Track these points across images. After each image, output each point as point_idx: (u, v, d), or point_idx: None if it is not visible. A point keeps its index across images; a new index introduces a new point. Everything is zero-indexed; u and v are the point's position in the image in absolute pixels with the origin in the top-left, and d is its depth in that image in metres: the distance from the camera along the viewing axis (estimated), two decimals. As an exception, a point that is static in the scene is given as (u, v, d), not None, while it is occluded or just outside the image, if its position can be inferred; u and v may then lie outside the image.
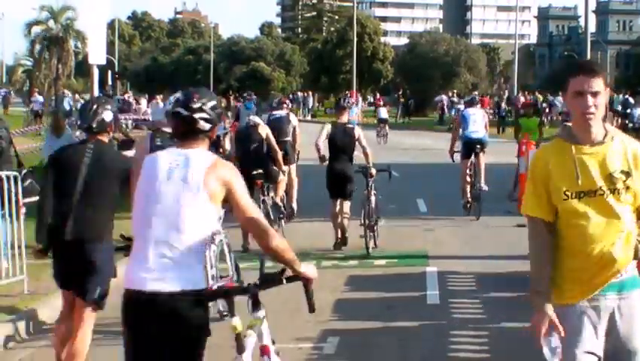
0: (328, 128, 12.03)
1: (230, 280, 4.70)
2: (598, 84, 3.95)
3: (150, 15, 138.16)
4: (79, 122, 6.78)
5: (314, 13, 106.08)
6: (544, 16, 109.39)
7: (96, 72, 12.06)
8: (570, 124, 4.13)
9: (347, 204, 11.77)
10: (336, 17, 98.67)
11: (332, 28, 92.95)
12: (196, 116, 4.30)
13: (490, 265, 10.95)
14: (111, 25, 73.22)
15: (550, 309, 4.09)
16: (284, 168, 12.72)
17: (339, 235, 11.85)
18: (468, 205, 15.02)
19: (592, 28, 66.27)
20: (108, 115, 6.21)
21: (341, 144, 11.78)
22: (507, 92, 53.58)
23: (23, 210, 9.11)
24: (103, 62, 12.12)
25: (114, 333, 6.52)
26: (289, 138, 14.18)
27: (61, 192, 6.04)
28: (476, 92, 54.92)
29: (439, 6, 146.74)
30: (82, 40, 60.21)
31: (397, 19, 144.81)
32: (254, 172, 11.58)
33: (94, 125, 6.17)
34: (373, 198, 11.74)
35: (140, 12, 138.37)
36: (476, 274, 10.39)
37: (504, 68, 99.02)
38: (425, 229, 13.87)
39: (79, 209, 5.99)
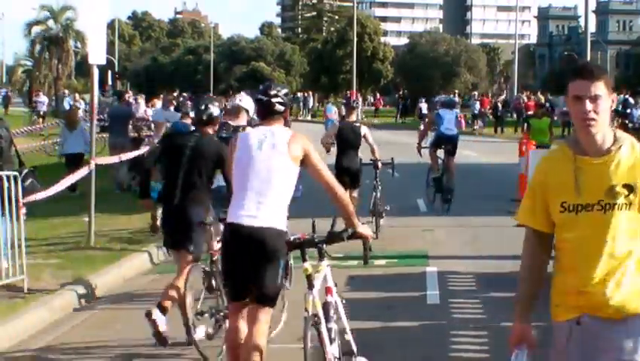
0: (336, 126, 13.06)
1: (303, 234, 5.80)
2: (598, 88, 3.61)
3: (150, 15, 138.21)
4: (193, 115, 8.38)
5: (314, 13, 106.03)
6: (543, 16, 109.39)
7: (96, 72, 12.04)
8: None
9: (356, 191, 12.36)
10: (336, 17, 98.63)
11: (332, 28, 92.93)
12: (273, 100, 5.81)
13: (490, 265, 10.95)
14: (111, 25, 73.23)
15: (524, 321, 3.95)
16: None
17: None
18: (433, 199, 16.24)
19: (592, 28, 66.33)
20: (215, 111, 7.73)
21: (348, 140, 12.52)
22: (505, 92, 53.45)
23: (23, 210, 9.11)
24: (103, 62, 12.10)
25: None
26: None
27: (171, 167, 7.55)
28: (476, 93, 54.96)
29: (439, 6, 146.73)
30: (82, 40, 60.21)
31: (397, 19, 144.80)
32: None
33: (204, 118, 7.65)
34: (379, 188, 12.76)
35: (140, 12, 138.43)
36: (476, 274, 10.40)
37: (504, 68, 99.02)
38: (424, 229, 13.87)
39: (184, 181, 7.43)
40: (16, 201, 8.95)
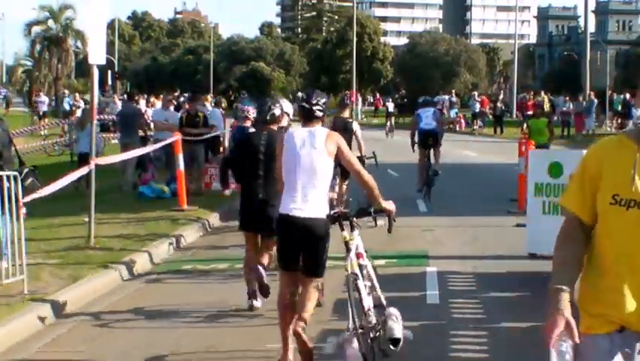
0: (330, 120, 13.85)
1: (340, 210, 7.32)
2: None
3: (150, 15, 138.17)
4: (257, 115, 9.78)
5: (314, 13, 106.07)
6: (543, 16, 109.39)
7: (96, 72, 12.04)
8: None
9: (346, 182, 13.47)
10: (336, 17, 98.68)
11: (332, 28, 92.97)
12: (314, 108, 6.97)
13: (490, 265, 10.95)
14: (111, 25, 73.25)
15: (567, 310, 3.37)
16: None
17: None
18: (422, 190, 17.19)
19: (591, 28, 66.33)
20: (277, 111, 8.69)
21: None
22: (502, 92, 53.41)
23: (23, 209, 9.11)
24: (103, 62, 12.09)
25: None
26: None
27: (249, 164, 8.63)
28: (475, 92, 54.97)
29: (439, 6, 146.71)
30: (82, 40, 60.22)
31: (397, 19, 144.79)
32: None
33: (268, 118, 8.70)
34: None
35: (140, 12, 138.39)
36: (476, 274, 10.40)
37: (503, 67, 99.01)
38: (424, 229, 13.87)
39: (265, 176, 8.50)
40: (16, 201, 8.95)
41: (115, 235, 12.55)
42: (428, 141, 17.52)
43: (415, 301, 9.06)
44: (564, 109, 41.54)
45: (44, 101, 45.32)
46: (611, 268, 3.33)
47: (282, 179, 6.94)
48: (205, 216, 14.70)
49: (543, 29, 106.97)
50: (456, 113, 49.77)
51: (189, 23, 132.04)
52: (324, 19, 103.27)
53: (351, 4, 75.58)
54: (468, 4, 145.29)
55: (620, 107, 41.21)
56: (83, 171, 11.75)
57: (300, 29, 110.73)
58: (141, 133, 19.12)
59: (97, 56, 11.82)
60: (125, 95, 30.60)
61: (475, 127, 46.42)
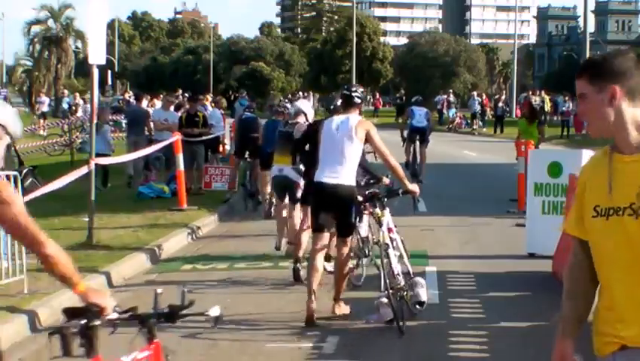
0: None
1: (373, 191, 8.72)
2: (580, 86, 3.17)
3: (150, 15, 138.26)
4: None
5: (313, 13, 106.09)
6: (543, 16, 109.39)
7: (96, 72, 12.04)
8: None
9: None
10: (336, 17, 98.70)
11: (331, 28, 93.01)
12: (353, 94, 8.45)
13: (490, 264, 10.96)
14: (111, 26, 73.26)
15: (566, 342, 3.23)
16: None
17: None
18: (407, 167, 18.66)
19: (591, 28, 66.31)
20: (339, 102, 9.52)
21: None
22: (505, 92, 53.36)
23: (23, 210, 9.10)
24: (103, 62, 12.09)
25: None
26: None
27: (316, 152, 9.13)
28: (475, 92, 54.96)
29: (438, 6, 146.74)
30: (82, 40, 60.25)
31: (397, 19, 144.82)
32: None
33: (332, 108, 9.96)
34: None
35: (140, 12, 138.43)
36: (476, 273, 10.40)
37: (503, 67, 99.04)
38: (424, 228, 13.87)
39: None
40: (17, 201, 8.94)
41: (115, 234, 12.56)
42: (416, 137, 20.43)
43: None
44: (563, 109, 41.53)
45: (43, 101, 45.22)
46: (605, 284, 3.17)
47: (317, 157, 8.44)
48: (205, 217, 14.70)
49: (542, 29, 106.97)
50: (454, 113, 49.77)
51: (189, 23, 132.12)
52: (324, 19, 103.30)
53: (350, 4, 75.62)
54: (468, 4, 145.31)
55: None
56: (82, 171, 11.74)
57: (299, 29, 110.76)
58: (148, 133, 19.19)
59: (97, 56, 11.83)
60: (132, 97, 30.70)
61: (475, 127, 46.40)
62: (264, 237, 12.50)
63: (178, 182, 15.40)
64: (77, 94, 48.43)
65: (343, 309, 8.32)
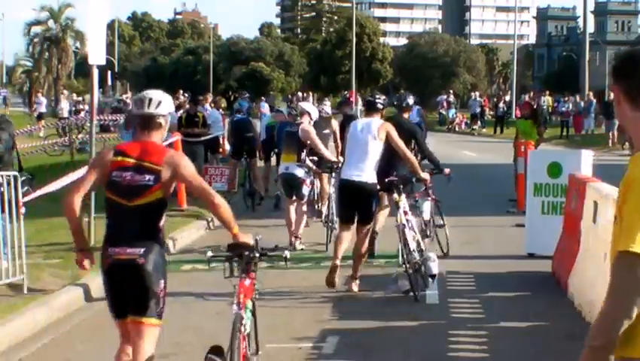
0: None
1: (391, 178, 9.72)
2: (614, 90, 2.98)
3: (150, 15, 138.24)
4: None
5: (313, 14, 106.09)
6: (542, 16, 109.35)
7: (95, 72, 12.05)
8: None
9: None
10: (336, 18, 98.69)
11: (331, 29, 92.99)
12: (377, 101, 9.77)
13: (490, 264, 10.97)
14: (110, 26, 73.26)
15: None
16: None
17: None
18: None
19: (590, 28, 66.31)
20: (410, 100, 11.49)
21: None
22: (509, 93, 53.25)
23: (23, 210, 9.12)
24: (103, 62, 12.09)
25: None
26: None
27: None
28: (476, 93, 54.96)
29: (438, 6, 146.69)
30: (82, 40, 60.25)
31: (397, 20, 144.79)
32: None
33: (401, 105, 11.27)
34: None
35: (140, 12, 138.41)
36: (476, 274, 10.41)
37: (502, 68, 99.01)
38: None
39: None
40: (16, 201, 8.96)
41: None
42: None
43: (414, 301, 9.07)
44: (563, 109, 41.53)
45: (41, 101, 44.86)
46: None
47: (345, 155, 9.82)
48: (205, 216, 14.71)
49: (542, 30, 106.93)
50: (454, 114, 49.76)
51: (189, 24, 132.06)
52: (324, 19, 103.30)
53: (350, 4, 75.59)
54: (467, 5, 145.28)
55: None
56: (83, 171, 11.71)
57: (299, 30, 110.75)
58: None
59: (97, 56, 11.83)
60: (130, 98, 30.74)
61: (475, 127, 46.41)
62: (264, 237, 12.49)
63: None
64: (75, 95, 48.40)
65: (356, 287, 9.48)
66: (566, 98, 42.86)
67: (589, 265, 8.62)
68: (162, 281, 5.51)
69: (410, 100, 11.33)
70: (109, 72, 64.07)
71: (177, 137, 15.68)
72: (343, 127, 14.01)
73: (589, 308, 7.98)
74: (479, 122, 46.99)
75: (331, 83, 77.39)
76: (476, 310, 8.73)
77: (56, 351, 7.50)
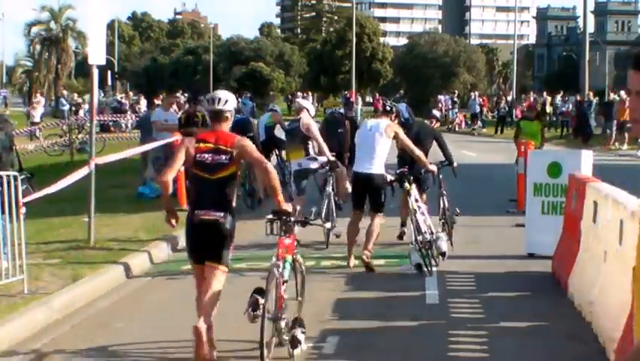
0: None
1: (402, 170, 11.07)
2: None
3: (149, 15, 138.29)
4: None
5: (313, 14, 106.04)
6: (542, 16, 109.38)
7: (95, 72, 12.05)
8: None
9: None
10: (336, 18, 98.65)
11: (331, 29, 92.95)
12: (386, 105, 11.28)
13: (489, 264, 10.97)
14: (110, 26, 73.26)
15: None
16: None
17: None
18: None
19: (590, 28, 66.31)
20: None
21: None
22: (512, 93, 53.12)
23: (23, 210, 9.12)
24: (103, 62, 12.10)
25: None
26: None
27: None
28: (476, 93, 54.94)
29: (438, 6, 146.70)
30: (82, 40, 60.26)
31: (397, 20, 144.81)
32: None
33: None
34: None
35: (140, 12, 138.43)
36: (476, 273, 10.42)
37: (502, 68, 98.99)
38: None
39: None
40: (16, 201, 8.97)
41: (115, 235, 12.56)
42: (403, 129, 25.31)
43: (414, 301, 9.08)
44: (562, 109, 41.53)
45: (39, 102, 44.45)
46: None
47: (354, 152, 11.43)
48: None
49: (542, 30, 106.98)
50: (455, 114, 49.76)
51: (189, 24, 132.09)
52: (324, 19, 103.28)
53: (350, 4, 75.58)
54: (467, 5, 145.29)
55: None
56: (84, 171, 11.73)
57: (299, 30, 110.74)
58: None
59: (97, 56, 11.84)
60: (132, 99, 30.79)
61: (475, 127, 46.41)
62: (265, 237, 12.48)
63: (177, 182, 15.40)
64: (75, 95, 48.31)
65: (367, 258, 10.53)
66: (566, 99, 42.86)
67: (589, 265, 8.62)
68: (232, 240, 7.04)
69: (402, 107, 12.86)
70: (109, 72, 64.04)
71: (177, 137, 15.67)
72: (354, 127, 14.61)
73: (589, 308, 7.98)
74: (479, 122, 46.97)
75: (331, 83, 77.39)
76: (476, 310, 8.73)
77: (56, 351, 7.50)
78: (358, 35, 69.07)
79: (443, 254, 10.47)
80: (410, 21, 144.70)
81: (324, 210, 12.49)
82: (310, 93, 72.05)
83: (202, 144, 6.97)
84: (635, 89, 2.79)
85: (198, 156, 6.94)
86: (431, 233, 10.50)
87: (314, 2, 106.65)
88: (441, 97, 53.34)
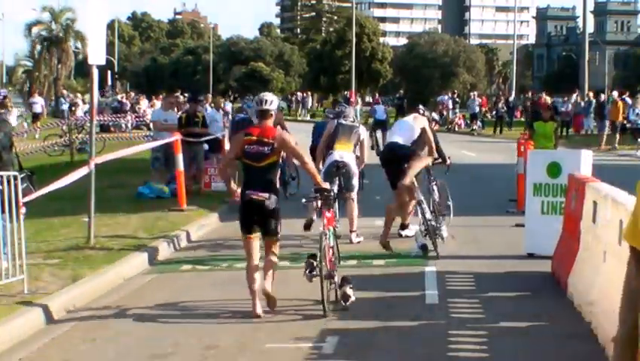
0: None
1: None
2: None
3: (149, 15, 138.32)
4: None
5: (313, 14, 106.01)
6: (542, 16, 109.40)
7: (95, 72, 12.06)
8: None
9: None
10: (335, 18, 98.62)
11: (331, 29, 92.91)
12: (419, 108, 12.81)
13: (489, 264, 10.97)
14: (110, 26, 73.28)
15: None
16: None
17: None
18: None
19: (590, 28, 66.34)
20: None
21: None
22: (512, 93, 53.04)
23: (23, 210, 9.12)
24: (103, 62, 12.10)
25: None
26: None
27: None
28: (475, 93, 54.92)
29: (438, 6, 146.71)
30: (82, 40, 60.28)
31: (396, 20, 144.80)
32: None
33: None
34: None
35: (140, 12, 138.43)
36: (475, 273, 10.42)
37: (502, 68, 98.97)
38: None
39: None
40: (16, 201, 8.97)
41: (115, 235, 12.57)
42: (380, 127, 30.36)
43: (414, 301, 9.08)
44: (562, 109, 41.54)
45: (37, 102, 44.10)
46: None
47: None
48: (204, 217, 14.72)
49: (541, 30, 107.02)
50: (455, 114, 49.73)
51: (188, 24, 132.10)
52: (324, 19, 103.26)
53: (350, 4, 75.57)
54: (467, 5, 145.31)
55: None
56: (83, 171, 11.73)
57: (299, 30, 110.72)
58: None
59: (97, 56, 11.84)
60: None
61: (474, 127, 46.40)
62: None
63: (177, 182, 15.41)
64: (76, 94, 48.25)
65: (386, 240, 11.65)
66: (565, 99, 42.84)
67: (589, 265, 8.62)
68: (279, 215, 8.50)
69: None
70: (109, 72, 64.06)
71: (177, 137, 15.68)
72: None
73: (589, 308, 7.98)
74: (478, 122, 46.96)
75: (331, 83, 77.34)
76: (476, 310, 8.73)
77: (56, 351, 7.51)
78: (358, 35, 69.04)
79: (443, 238, 11.77)
80: (410, 21, 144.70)
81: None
82: (310, 93, 72.08)
83: (249, 137, 8.43)
84: None
85: (246, 147, 8.39)
86: (436, 218, 11.72)
87: (314, 2, 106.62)
88: (442, 97, 53.26)
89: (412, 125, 12.16)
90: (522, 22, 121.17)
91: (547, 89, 57.80)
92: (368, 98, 78.95)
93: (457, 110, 50.70)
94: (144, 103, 46.17)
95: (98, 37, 11.92)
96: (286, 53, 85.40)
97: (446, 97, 52.57)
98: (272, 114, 8.62)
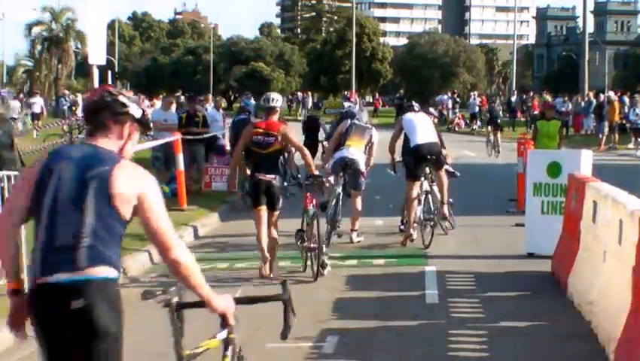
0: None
1: None
2: None
3: (150, 15, 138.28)
4: None
5: (313, 14, 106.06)
6: (542, 16, 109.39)
7: (96, 72, 12.08)
8: None
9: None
10: (336, 18, 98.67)
11: (331, 29, 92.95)
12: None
13: (489, 264, 10.98)
14: (111, 26, 73.24)
15: None
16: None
17: None
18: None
19: (590, 28, 66.35)
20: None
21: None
22: (514, 93, 52.99)
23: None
24: (103, 62, 12.13)
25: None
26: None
27: None
28: (475, 93, 54.92)
29: (438, 6, 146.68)
30: (82, 40, 60.26)
31: (396, 20, 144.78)
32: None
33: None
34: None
35: (140, 12, 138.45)
36: (475, 273, 10.42)
37: (502, 68, 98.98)
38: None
39: None
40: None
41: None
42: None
43: (414, 301, 9.09)
44: (562, 109, 41.54)
45: (36, 101, 43.74)
46: None
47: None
48: (205, 217, 14.72)
49: (541, 30, 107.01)
50: (455, 114, 49.75)
51: (189, 24, 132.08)
52: (324, 19, 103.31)
53: (350, 4, 75.61)
54: (467, 5, 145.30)
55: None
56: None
57: (299, 30, 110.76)
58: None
59: (97, 56, 11.87)
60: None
61: (474, 127, 46.41)
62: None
63: (177, 182, 15.41)
64: (77, 94, 48.22)
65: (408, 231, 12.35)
66: (565, 98, 42.84)
67: (589, 264, 8.63)
68: (281, 191, 10.26)
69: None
70: (109, 72, 64.01)
71: (177, 136, 15.68)
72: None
73: (589, 308, 7.99)
74: (478, 121, 46.97)
75: (331, 83, 77.32)
76: (476, 310, 8.73)
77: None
78: (358, 35, 69.04)
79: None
80: (410, 21, 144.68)
81: (331, 211, 12.23)
82: (310, 93, 72.07)
83: (256, 130, 10.24)
84: None
85: (254, 137, 10.17)
86: (437, 213, 12.55)
87: (314, 2, 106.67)
88: (441, 97, 53.24)
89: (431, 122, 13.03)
90: (522, 22, 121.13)
91: (547, 89, 57.79)
92: (368, 98, 79.01)
93: (457, 110, 50.72)
94: (144, 103, 46.05)
95: (98, 37, 11.95)
96: (286, 53, 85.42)
97: (445, 97, 52.62)
98: (277, 111, 10.29)
